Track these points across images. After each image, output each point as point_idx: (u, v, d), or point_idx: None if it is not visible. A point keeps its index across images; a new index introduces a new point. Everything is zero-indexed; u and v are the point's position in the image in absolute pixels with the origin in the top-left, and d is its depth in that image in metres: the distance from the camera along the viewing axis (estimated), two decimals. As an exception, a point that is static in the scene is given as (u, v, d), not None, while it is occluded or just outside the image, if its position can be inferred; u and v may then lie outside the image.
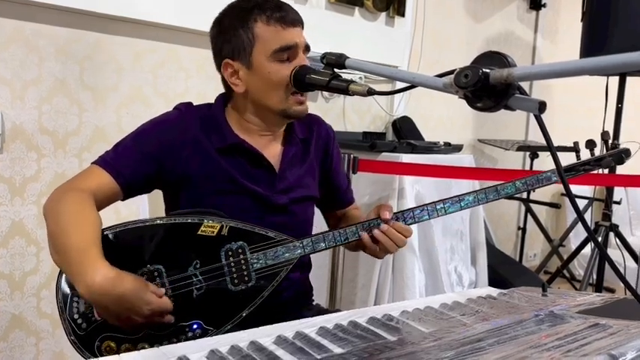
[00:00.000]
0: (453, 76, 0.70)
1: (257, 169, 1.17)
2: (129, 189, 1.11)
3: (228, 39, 1.15)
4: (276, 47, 1.10)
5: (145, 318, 0.95)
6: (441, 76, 0.75)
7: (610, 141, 2.56)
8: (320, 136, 1.30)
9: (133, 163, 1.10)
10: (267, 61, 1.11)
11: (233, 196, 1.14)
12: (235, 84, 1.16)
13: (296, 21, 1.14)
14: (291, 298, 1.23)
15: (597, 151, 1.32)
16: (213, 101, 1.23)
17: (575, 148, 1.31)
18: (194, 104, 1.21)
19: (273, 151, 1.21)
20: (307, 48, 1.16)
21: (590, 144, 1.30)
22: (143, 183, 1.14)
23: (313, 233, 1.13)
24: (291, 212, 1.20)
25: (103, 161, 1.10)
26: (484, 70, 0.67)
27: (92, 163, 1.11)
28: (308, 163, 1.26)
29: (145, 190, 1.18)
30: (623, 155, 1.30)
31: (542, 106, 0.65)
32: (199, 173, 1.13)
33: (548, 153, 0.80)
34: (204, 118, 1.17)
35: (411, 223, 1.15)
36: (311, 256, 1.24)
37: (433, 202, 1.17)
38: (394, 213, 1.14)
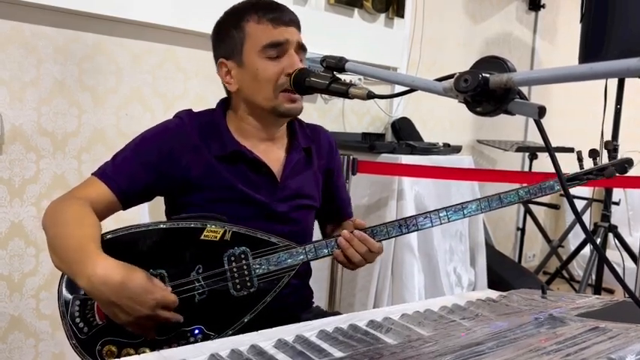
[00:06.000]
0: (452, 80, 0.70)
1: (258, 176, 1.17)
2: (127, 200, 1.12)
3: (223, 39, 1.18)
4: (264, 43, 1.12)
5: (150, 309, 0.93)
6: (440, 80, 0.75)
7: (610, 142, 2.55)
8: (322, 146, 1.30)
9: (131, 174, 1.11)
10: (257, 57, 1.13)
11: (233, 204, 1.13)
12: (229, 82, 1.18)
13: (290, 21, 1.15)
14: (292, 304, 1.23)
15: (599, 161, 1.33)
16: (212, 103, 1.23)
17: (578, 157, 1.32)
18: (195, 110, 1.21)
19: (275, 157, 1.21)
20: (302, 47, 1.16)
21: (593, 153, 1.31)
22: (142, 193, 1.14)
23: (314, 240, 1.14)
24: (292, 220, 1.20)
25: (102, 173, 1.11)
26: (484, 74, 0.67)
27: (92, 174, 1.12)
28: (311, 171, 1.26)
29: (145, 200, 1.18)
30: (626, 165, 1.32)
31: (541, 111, 0.65)
32: (199, 180, 1.13)
33: (547, 154, 0.81)
34: (205, 124, 1.17)
35: (413, 231, 1.16)
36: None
37: (436, 210, 1.18)
38: (397, 220, 1.15)
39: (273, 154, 1.21)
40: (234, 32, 1.15)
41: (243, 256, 1.06)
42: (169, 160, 1.12)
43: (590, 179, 1.29)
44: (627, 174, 1.38)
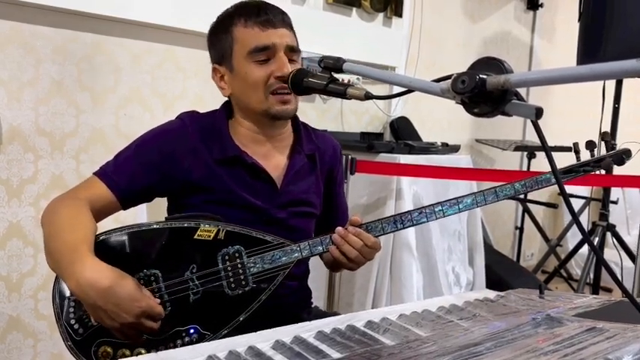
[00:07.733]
0: (450, 81, 0.70)
1: (257, 182, 1.16)
2: (126, 200, 1.12)
3: (214, 45, 1.19)
4: (251, 47, 1.12)
5: (134, 318, 0.93)
6: (438, 81, 0.75)
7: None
8: (326, 153, 1.28)
9: (131, 174, 1.11)
10: (245, 62, 1.13)
11: (233, 208, 1.13)
12: (223, 88, 1.19)
13: (278, 23, 1.13)
14: (290, 304, 1.22)
15: (597, 152, 1.30)
16: (211, 103, 1.23)
17: (575, 149, 1.29)
18: (198, 112, 1.21)
19: (276, 162, 1.20)
20: (291, 49, 1.14)
21: (590, 145, 1.28)
22: (142, 194, 1.14)
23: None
24: (290, 227, 1.18)
25: (103, 172, 1.12)
26: (481, 76, 0.66)
27: (93, 174, 1.13)
28: (314, 178, 1.25)
29: (145, 200, 1.18)
30: (624, 156, 1.28)
31: (538, 112, 0.65)
32: (199, 183, 1.13)
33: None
34: (207, 127, 1.17)
35: (409, 226, 1.14)
36: (310, 260, 1.24)
37: (431, 205, 1.16)
38: (392, 216, 1.14)
39: (275, 159, 1.20)
40: (224, 37, 1.15)
41: (237, 254, 1.06)
42: (170, 161, 1.12)
43: (587, 171, 1.27)
44: (627, 173, 1.36)
